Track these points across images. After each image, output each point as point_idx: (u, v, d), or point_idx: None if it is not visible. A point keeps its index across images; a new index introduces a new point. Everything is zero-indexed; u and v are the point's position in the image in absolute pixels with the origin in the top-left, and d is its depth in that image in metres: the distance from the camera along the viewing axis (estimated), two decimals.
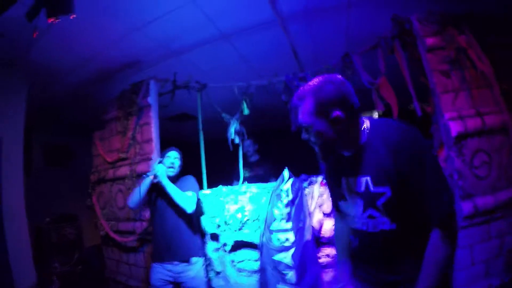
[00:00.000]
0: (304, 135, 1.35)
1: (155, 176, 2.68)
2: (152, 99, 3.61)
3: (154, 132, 3.54)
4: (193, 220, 2.81)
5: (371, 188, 1.30)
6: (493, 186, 2.51)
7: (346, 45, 3.46)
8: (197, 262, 2.72)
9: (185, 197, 2.63)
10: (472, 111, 2.56)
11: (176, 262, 2.66)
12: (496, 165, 2.54)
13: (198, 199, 2.88)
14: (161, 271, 2.67)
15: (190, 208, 2.62)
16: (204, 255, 2.88)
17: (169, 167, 2.79)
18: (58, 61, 3.65)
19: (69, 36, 3.15)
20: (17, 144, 3.65)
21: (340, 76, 1.33)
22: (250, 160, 4.31)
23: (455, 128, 2.47)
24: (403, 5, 2.86)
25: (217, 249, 3.03)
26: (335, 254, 2.52)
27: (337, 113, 1.26)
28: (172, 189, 2.62)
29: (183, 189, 2.69)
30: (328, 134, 1.29)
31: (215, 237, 3.06)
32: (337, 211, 1.64)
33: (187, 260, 2.67)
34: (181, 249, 2.68)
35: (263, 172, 4.17)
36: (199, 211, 3.02)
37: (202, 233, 3.11)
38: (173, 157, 2.85)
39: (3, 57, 3.41)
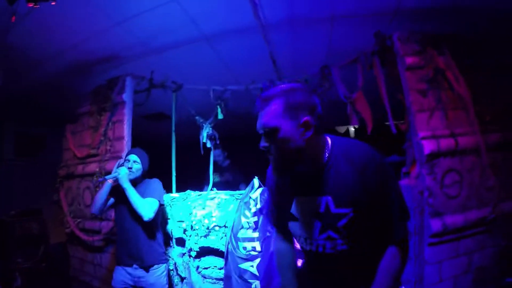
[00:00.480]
0: (264, 143, 1.20)
1: (116, 179, 2.58)
2: (127, 96, 3.53)
3: (126, 130, 3.46)
4: (153, 226, 2.69)
5: (332, 209, 1.21)
6: (463, 205, 2.54)
7: (326, 57, 3.44)
8: (157, 269, 2.63)
9: (143, 204, 2.50)
10: (446, 131, 2.59)
11: (135, 266, 2.59)
12: (467, 185, 2.58)
13: (162, 205, 2.74)
14: (123, 274, 2.61)
15: (147, 215, 2.48)
16: (165, 261, 2.76)
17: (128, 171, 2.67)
18: (35, 48, 3.52)
19: (48, 24, 3.04)
20: None
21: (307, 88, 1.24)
22: (222, 165, 4.31)
23: (428, 147, 2.49)
24: (387, 23, 2.87)
25: (183, 254, 2.97)
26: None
27: (307, 117, 1.15)
28: (132, 194, 2.51)
29: (144, 194, 2.59)
30: (295, 141, 1.15)
31: (181, 241, 2.99)
32: (280, 231, 1.54)
33: (145, 267, 2.59)
34: (140, 255, 2.59)
35: (233, 177, 4.14)
36: (162, 218, 2.89)
37: (166, 239, 3.02)
38: (132, 161, 2.71)
39: None
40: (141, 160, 2.74)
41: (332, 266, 1.30)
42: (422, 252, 2.44)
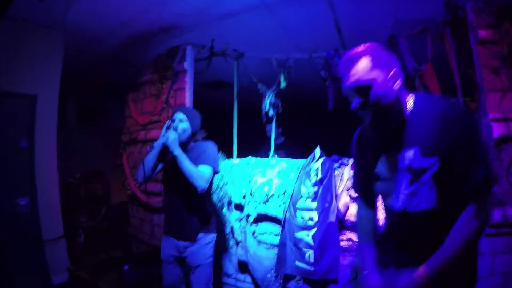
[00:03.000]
0: (358, 101, 1.23)
1: (166, 145, 2.30)
2: (188, 65, 3.63)
3: (188, 97, 3.58)
4: (203, 195, 2.41)
5: (419, 159, 1.22)
6: None
7: (393, 26, 3.30)
8: (202, 239, 2.47)
9: (197, 174, 2.25)
10: None
11: (181, 236, 2.47)
12: None
13: (216, 173, 2.51)
14: (168, 245, 2.51)
15: (201, 186, 2.26)
16: (213, 231, 2.61)
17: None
18: (95, 24, 3.72)
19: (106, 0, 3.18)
20: (51, 102, 3.81)
21: None
22: (275, 142, 4.24)
23: (497, 129, 2.34)
24: None
25: (240, 219, 3.07)
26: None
27: (395, 69, 1.21)
28: (184, 162, 2.24)
29: (198, 160, 2.35)
30: (389, 94, 1.20)
31: (239, 207, 3.08)
32: (362, 197, 1.61)
33: (190, 239, 2.45)
34: (185, 226, 2.45)
35: (286, 155, 4.07)
36: (211, 186, 2.69)
37: (213, 208, 3.03)
38: (178, 119, 2.42)
39: (40, 20, 3.52)
40: (188, 119, 2.44)
41: (419, 225, 1.29)
42: None
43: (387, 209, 1.43)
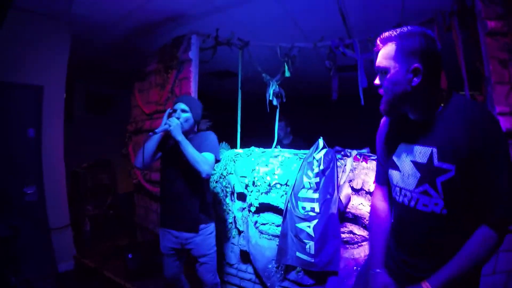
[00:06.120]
0: (377, 81, 1.29)
1: (169, 132, 2.27)
2: (193, 54, 3.64)
3: (193, 86, 3.59)
4: (204, 184, 2.50)
5: (435, 161, 1.19)
6: None
7: (400, 15, 3.22)
8: (206, 229, 2.49)
9: (201, 159, 2.23)
10: None
11: (182, 228, 2.44)
12: None
13: (218, 161, 2.51)
14: (169, 238, 2.49)
15: (206, 171, 2.23)
16: (214, 220, 2.60)
17: None
18: (99, 13, 3.72)
19: None
20: (58, 93, 3.88)
21: (432, 33, 1.21)
22: (283, 142, 4.25)
23: (504, 124, 2.28)
24: None
25: (243, 209, 3.08)
26: (361, 234, 2.50)
27: (417, 64, 1.16)
28: (187, 148, 2.22)
29: (200, 148, 2.32)
30: (401, 85, 1.20)
31: (242, 196, 3.09)
32: (379, 188, 1.59)
33: (193, 230, 2.43)
34: (188, 218, 2.43)
35: None
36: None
37: (212, 197, 2.99)
38: (179, 110, 2.41)
39: (46, 10, 3.55)
40: (190, 108, 2.43)
41: (419, 225, 1.28)
42: None
43: (393, 200, 1.43)
